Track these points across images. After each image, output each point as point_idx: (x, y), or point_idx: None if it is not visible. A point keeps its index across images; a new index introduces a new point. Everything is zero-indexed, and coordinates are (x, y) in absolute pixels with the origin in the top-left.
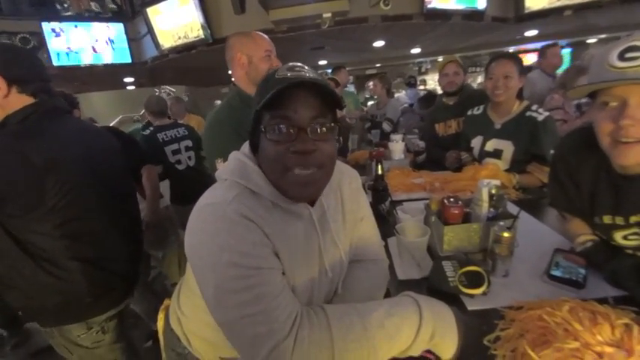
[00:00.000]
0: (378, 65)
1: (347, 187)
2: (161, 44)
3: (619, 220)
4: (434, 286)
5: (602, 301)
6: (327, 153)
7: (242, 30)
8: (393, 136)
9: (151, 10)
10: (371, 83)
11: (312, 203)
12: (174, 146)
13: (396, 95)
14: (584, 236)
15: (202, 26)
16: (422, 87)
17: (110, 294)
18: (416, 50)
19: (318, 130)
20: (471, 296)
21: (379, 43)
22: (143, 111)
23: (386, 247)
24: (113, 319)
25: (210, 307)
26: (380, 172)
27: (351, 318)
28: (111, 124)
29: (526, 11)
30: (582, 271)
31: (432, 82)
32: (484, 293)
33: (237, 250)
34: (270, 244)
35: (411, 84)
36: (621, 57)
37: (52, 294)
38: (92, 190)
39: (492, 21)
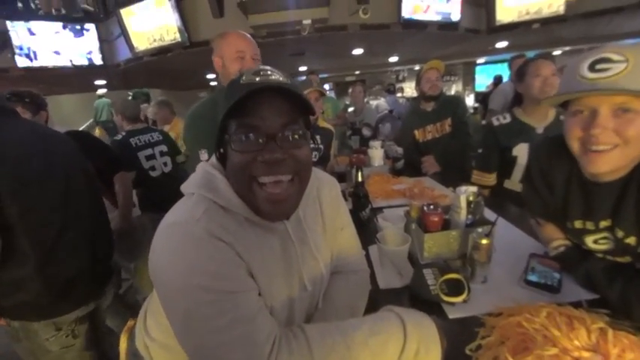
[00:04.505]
0: (357, 72)
1: (326, 195)
2: (135, 46)
3: (589, 225)
4: (415, 295)
5: (577, 304)
6: (300, 159)
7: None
8: (372, 143)
9: (124, 12)
10: (355, 89)
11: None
12: (148, 151)
13: (376, 102)
14: (558, 241)
15: (179, 29)
16: (399, 94)
17: (72, 293)
18: (394, 58)
19: (290, 137)
20: (452, 304)
21: (358, 51)
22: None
23: (367, 255)
24: (84, 323)
25: (179, 335)
26: (360, 178)
27: (333, 338)
28: (80, 128)
29: (497, 24)
30: (557, 275)
31: (409, 89)
32: (465, 301)
33: (208, 273)
34: (243, 263)
35: (390, 91)
36: (592, 68)
37: (10, 292)
38: (48, 185)
39: (466, 32)
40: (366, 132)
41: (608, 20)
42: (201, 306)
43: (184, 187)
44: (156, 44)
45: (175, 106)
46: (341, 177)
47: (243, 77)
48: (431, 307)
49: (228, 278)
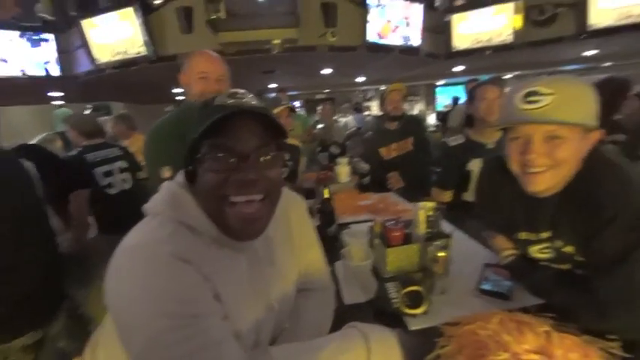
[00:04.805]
0: (326, 91)
1: (294, 213)
2: (97, 58)
3: (532, 236)
4: (379, 309)
5: (526, 310)
6: (271, 180)
7: (188, 49)
8: (339, 160)
9: (85, 23)
10: (325, 107)
11: None
12: (106, 168)
13: (345, 119)
14: (508, 251)
15: (145, 42)
16: (367, 112)
17: (20, 316)
18: (361, 79)
19: (261, 159)
20: (413, 316)
21: (327, 71)
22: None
23: (332, 271)
24: (30, 353)
25: None
26: (327, 195)
27: None
28: (35, 140)
29: (454, 50)
30: (508, 283)
31: (376, 108)
32: (425, 312)
33: (172, 298)
34: (209, 286)
35: (358, 109)
36: (524, 100)
37: None
38: (5, 199)
39: (426, 56)
40: (333, 150)
41: (550, 49)
42: (165, 333)
43: (147, 208)
44: (119, 57)
45: (139, 121)
46: (309, 193)
47: (217, 99)
48: (394, 319)
49: (193, 301)
